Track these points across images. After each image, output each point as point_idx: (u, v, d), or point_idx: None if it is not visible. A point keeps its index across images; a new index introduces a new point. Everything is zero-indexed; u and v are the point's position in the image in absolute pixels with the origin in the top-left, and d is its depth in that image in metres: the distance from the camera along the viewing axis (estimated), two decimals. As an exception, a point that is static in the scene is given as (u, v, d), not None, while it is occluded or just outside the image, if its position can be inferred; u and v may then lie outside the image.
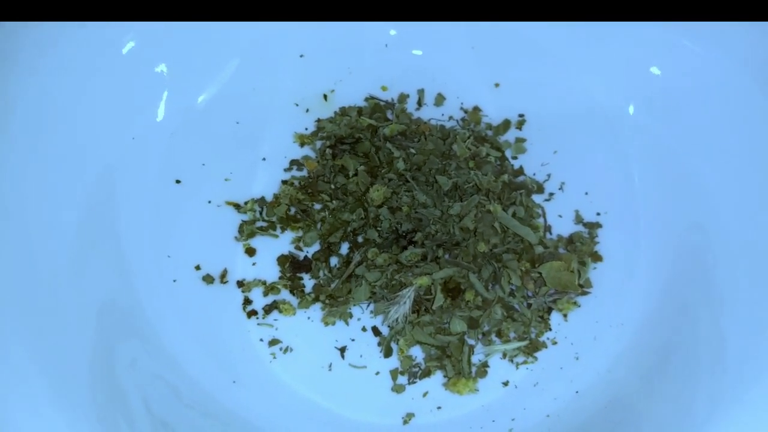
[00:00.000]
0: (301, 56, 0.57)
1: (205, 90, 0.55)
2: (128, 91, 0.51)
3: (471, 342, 0.48)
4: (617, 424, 0.44)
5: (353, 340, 0.49)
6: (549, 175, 0.55)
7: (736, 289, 0.45)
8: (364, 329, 0.49)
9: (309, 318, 0.50)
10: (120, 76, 0.50)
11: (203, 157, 0.54)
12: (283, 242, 0.52)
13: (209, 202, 0.53)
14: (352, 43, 0.58)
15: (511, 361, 0.48)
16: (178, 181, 0.53)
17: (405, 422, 0.46)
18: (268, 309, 0.50)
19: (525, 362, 0.48)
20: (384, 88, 0.58)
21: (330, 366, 0.48)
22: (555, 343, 0.49)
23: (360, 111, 0.57)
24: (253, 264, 0.51)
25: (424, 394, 0.47)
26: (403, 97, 0.58)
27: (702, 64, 0.51)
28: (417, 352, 0.48)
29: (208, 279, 0.50)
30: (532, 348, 0.48)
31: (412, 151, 0.54)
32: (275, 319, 0.50)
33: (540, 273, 0.49)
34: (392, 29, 0.58)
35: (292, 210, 0.53)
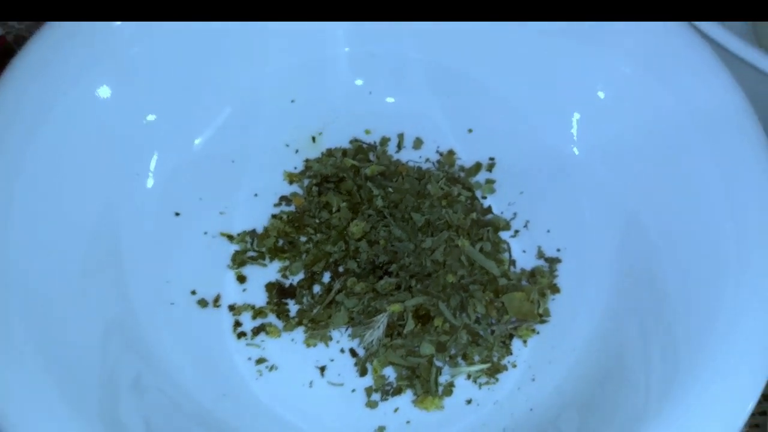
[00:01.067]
0: (292, 101, 0.62)
1: (201, 134, 0.59)
2: (128, 136, 0.54)
3: (439, 364, 0.51)
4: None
5: (332, 360, 0.53)
6: (515, 214, 0.59)
7: (686, 313, 0.45)
8: (342, 351, 0.53)
9: (293, 340, 0.53)
10: (118, 126, 0.54)
11: (200, 192, 0.57)
12: (271, 271, 0.56)
13: (205, 233, 0.57)
14: (340, 90, 0.62)
15: (475, 381, 0.52)
16: (177, 214, 0.57)
17: (377, 434, 0.50)
18: (256, 331, 0.53)
19: (487, 383, 0.52)
20: (368, 132, 0.62)
21: (311, 383, 0.52)
22: (515, 366, 0.52)
23: (345, 152, 0.61)
24: (244, 290, 0.55)
25: (395, 410, 0.51)
26: (384, 140, 0.62)
27: (642, 94, 0.53)
28: (390, 372, 0.52)
29: (202, 303, 0.54)
30: (494, 370, 0.52)
31: (390, 189, 0.57)
32: (262, 341, 0.53)
33: (503, 302, 0.53)
34: (358, 79, 0.62)
35: (280, 242, 0.57)
